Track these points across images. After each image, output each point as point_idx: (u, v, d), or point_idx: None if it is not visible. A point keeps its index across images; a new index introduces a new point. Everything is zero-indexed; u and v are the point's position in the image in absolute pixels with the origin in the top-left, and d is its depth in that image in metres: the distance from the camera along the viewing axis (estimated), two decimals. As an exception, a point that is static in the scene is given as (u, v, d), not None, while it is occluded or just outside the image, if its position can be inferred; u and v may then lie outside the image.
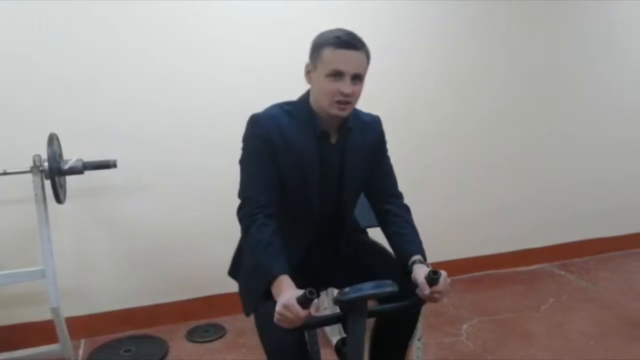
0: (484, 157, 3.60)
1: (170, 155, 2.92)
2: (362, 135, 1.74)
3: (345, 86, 1.56)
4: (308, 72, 1.64)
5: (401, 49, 3.25)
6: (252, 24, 2.95)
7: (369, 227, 1.96)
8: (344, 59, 1.55)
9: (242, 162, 1.68)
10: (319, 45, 1.59)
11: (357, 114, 1.75)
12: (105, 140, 2.77)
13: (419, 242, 1.70)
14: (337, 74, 1.56)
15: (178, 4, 2.82)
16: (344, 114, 1.62)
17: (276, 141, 1.62)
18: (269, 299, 1.48)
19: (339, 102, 1.58)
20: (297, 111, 1.67)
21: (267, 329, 1.54)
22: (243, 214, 1.62)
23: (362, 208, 1.89)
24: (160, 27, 2.82)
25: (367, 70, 1.64)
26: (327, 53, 1.56)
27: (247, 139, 1.67)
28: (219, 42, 2.92)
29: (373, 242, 1.91)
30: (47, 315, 2.49)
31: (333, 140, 1.71)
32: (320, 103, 1.61)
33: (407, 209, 1.80)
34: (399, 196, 1.82)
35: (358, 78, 1.59)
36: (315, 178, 1.68)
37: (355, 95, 1.61)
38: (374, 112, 1.84)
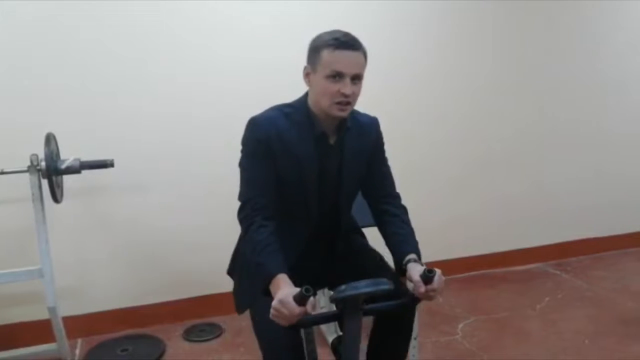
0: (480, 157, 3.61)
1: (167, 155, 2.93)
2: (360, 136, 1.75)
3: (346, 87, 1.57)
4: (307, 75, 1.65)
5: (398, 47, 3.27)
6: (250, 28, 2.96)
7: (367, 226, 1.97)
8: (343, 60, 1.56)
9: (242, 164, 1.69)
10: (318, 48, 1.59)
11: (354, 115, 1.75)
12: (103, 140, 2.77)
13: (415, 243, 1.71)
14: (337, 75, 1.56)
15: (175, 8, 2.83)
16: (344, 114, 1.63)
17: (274, 144, 1.63)
18: (268, 296, 1.49)
19: (339, 103, 1.59)
20: (296, 113, 1.68)
21: (263, 326, 1.55)
22: (243, 216, 1.64)
23: (359, 207, 1.90)
24: (158, 29, 2.83)
25: (365, 70, 1.64)
26: (326, 55, 1.57)
27: (245, 141, 1.68)
28: (216, 46, 2.93)
29: (371, 249, 1.92)
30: (44, 315, 2.49)
31: (332, 141, 1.72)
32: (321, 104, 1.62)
33: (404, 210, 1.81)
34: (397, 197, 1.84)
35: (357, 78, 1.60)
36: (313, 179, 1.69)
37: (355, 96, 1.62)
38: (366, 110, 1.84)
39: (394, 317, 1.74)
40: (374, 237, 1.90)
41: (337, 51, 1.56)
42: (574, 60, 3.74)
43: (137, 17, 2.79)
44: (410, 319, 1.79)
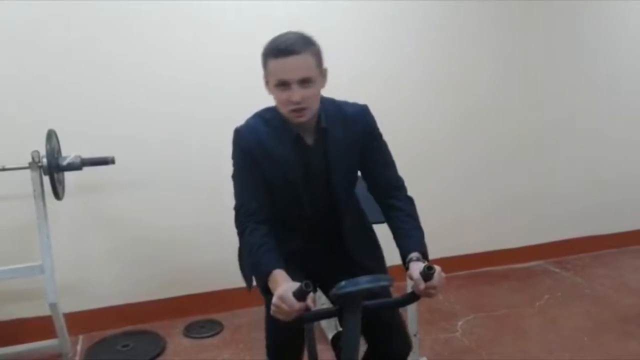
0: (480, 154, 3.62)
1: (168, 153, 2.94)
2: (344, 130, 1.71)
3: (294, 94, 1.53)
4: (267, 83, 1.63)
5: (399, 46, 3.26)
6: (248, 29, 2.95)
7: (377, 222, 1.91)
8: (284, 67, 1.52)
9: (233, 176, 1.71)
10: (264, 56, 1.58)
11: (339, 107, 1.72)
12: (104, 137, 2.78)
13: (419, 237, 1.69)
14: (283, 84, 1.54)
15: (177, 7, 2.84)
16: (303, 119, 1.60)
17: (256, 151, 1.65)
18: (268, 295, 1.49)
19: (293, 110, 1.57)
20: (273, 119, 1.68)
21: (268, 319, 1.56)
22: (238, 223, 1.66)
23: (370, 203, 1.85)
24: (160, 27, 2.84)
25: (321, 68, 1.60)
26: (270, 64, 1.55)
27: (233, 154, 1.70)
28: (218, 43, 2.94)
29: (384, 266, 1.88)
30: (45, 311, 2.51)
31: (310, 142, 1.70)
32: (282, 112, 1.62)
33: (409, 201, 1.78)
34: (400, 187, 1.79)
35: (306, 81, 1.55)
36: (299, 182, 1.69)
37: (309, 99, 1.57)
38: (371, 106, 1.80)
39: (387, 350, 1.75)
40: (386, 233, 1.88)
41: (278, 59, 1.53)
42: (577, 61, 3.75)
43: (138, 15, 2.79)
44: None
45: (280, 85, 1.54)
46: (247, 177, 1.66)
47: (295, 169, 1.67)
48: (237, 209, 1.68)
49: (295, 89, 1.53)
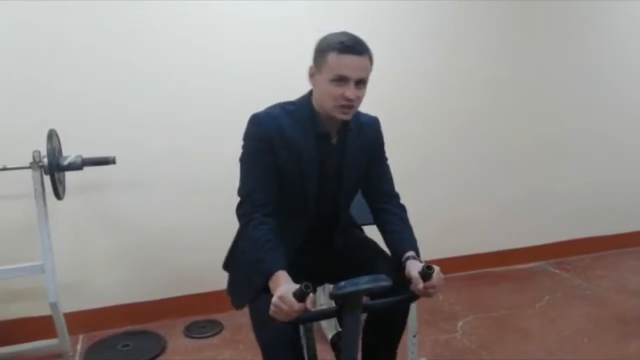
0: (481, 156, 3.62)
1: (169, 153, 2.94)
2: (360, 137, 1.76)
3: (350, 91, 1.57)
4: (312, 75, 1.65)
5: (402, 47, 3.28)
6: (249, 31, 2.96)
7: (365, 224, 1.98)
8: (348, 64, 1.56)
9: (242, 160, 1.70)
10: (324, 50, 1.59)
11: (356, 115, 1.75)
12: (105, 138, 2.78)
13: (413, 240, 1.72)
14: (341, 79, 1.57)
15: (178, 10, 2.84)
16: (347, 117, 1.64)
17: (276, 140, 1.64)
18: (267, 293, 1.50)
19: (342, 106, 1.60)
20: (298, 112, 1.69)
21: (262, 322, 1.56)
22: (242, 212, 1.65)
23: (358, 205, 1.91)
24: (161, 29, 2.84)
25: (370, 74, 1.64)
26: (332, 58, 1.57)
27: (247, 137, 1.69)
28: (218, 47, 2.94)
29: (368, 239, 1.93)
30: (45, 311, 2.51)
31: (334, 140, 1.73)
32: (324, 106, 1.63)
33: (402, 208, 1.83)
34: (395, 196, 1.85)
35: (362, 82, 1.60)
36: (313, 178, 1.70)
37: (359, 100, 1.63)
38: (374, 109, 1.86)
39: (387, 316, 1.76)
40: (373, 235, 1.91)
41: (342, 55, 1.56)
42: (578, 64, 3.75)
43: (139, 16, 2.79)
44: (403, 317, 1.81)
45: (337, 80, 1.57)
46: (260, 165, 1.66)
47: (312, 164, 1.68)
48: (243, 196, 1.66)
49: (351, 87, 1.57)
